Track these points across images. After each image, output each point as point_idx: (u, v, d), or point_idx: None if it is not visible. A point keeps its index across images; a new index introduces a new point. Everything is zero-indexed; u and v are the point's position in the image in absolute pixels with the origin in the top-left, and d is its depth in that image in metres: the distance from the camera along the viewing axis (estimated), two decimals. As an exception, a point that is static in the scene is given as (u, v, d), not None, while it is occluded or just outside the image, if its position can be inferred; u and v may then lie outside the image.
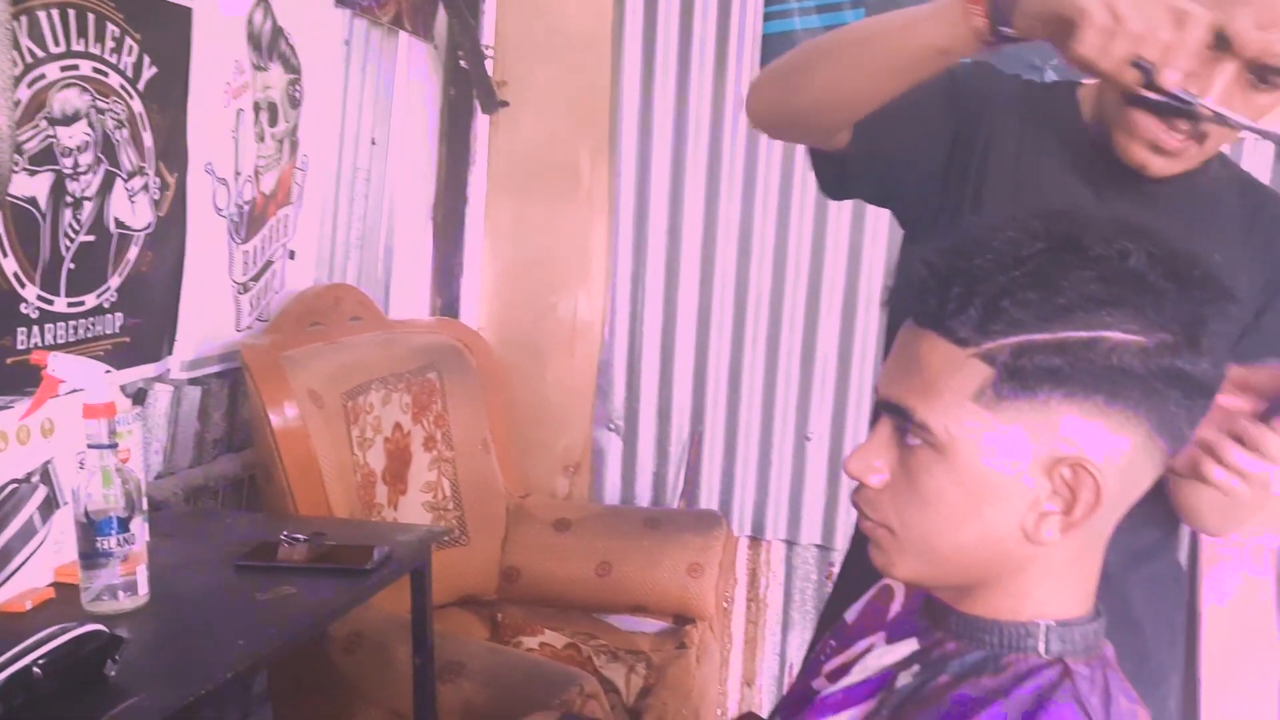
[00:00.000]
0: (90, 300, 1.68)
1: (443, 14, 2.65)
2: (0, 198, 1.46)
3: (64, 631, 1.10)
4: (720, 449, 2.71)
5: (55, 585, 1.38)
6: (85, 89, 1.61)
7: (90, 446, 1.28)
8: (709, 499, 2.72)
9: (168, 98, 1.79)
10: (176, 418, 1.95)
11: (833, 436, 2.63)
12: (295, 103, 2.15)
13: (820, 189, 1.23)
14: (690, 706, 2.18)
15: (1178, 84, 0.85)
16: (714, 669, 2.46)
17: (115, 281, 1.73)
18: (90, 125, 1.63)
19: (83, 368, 1.34)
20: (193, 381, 1.97)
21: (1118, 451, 0.72)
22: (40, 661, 1.06)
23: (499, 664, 1.78)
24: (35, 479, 1.35)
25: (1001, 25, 0.90)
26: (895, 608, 0.93)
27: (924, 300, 0.76)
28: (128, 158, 1.72)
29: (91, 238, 1.66)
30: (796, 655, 2.75)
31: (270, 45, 2.04)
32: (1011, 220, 0.75)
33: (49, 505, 1.38)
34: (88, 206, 1.65)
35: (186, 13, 1.80)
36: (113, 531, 1.28)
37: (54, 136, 1.57)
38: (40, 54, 1.52)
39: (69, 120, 1.59)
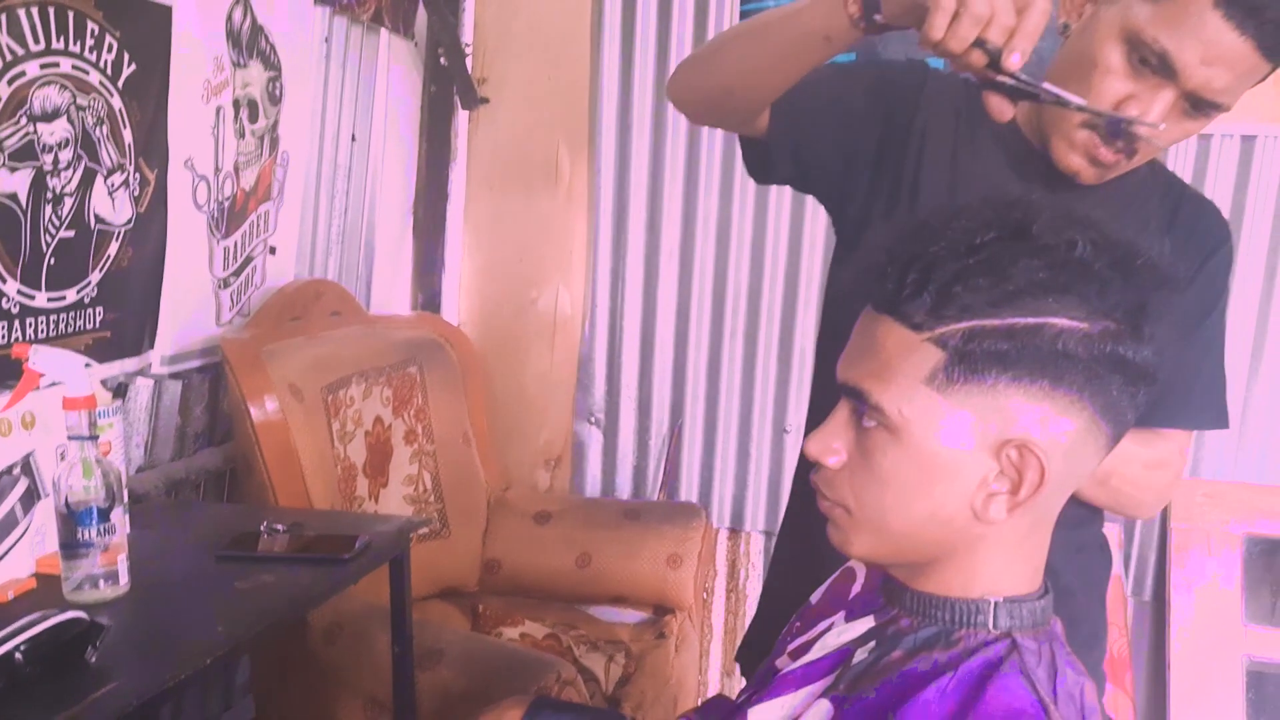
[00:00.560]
0: (71, 295, 1.69)
1: (423, 11, 2.67)
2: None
3: (45, 618, 1.11)
4: (699, 441, 2.74)
5: (37, 576, 1.39)
6: (65, 86, 1.62)
7: (71, 438, 1.30)
8: (688, 491, 2.75)
9: (147, 94, 1.80)
10: (157, 411, 1.96)
11: (810, 429, 2.65)
12: (275, 99, 2.16)
13: (748, 172, 1.29)
14: (668, 694, 2.21)
15: (1018, 66, 0.91)
16: (693, 658, 2.49)
17: (96, 277, 1.74)
18: (70, 122, 1.65)
19: (63, 361, 1.36)
20: (174, 376, 1.98)
21: (1062, 434, 0.75)
22: (22, 647, 1.07)
23: (477, 652, 1.81)
24: (16, 471, 1.37)
25: (874, 13, 0.96)
26: (856, 588, 0.96)
27: (881, 286, 0.78)
28: (108, 154, 1.73)
29: (72, 233, 1.68)
30: (775, 645, 2.78)
31: (250, 43, 2.05)
32: (965, 209, 0.78)
33: (30, 497, 1.39)
34: (68, 202, 1.66)
35: (166, 11, 1.81)
36: (93, 522, 1.29)
37: (34, 133, 1.58)
38: (20, 51, 1.53)
39: (49, 117, 1.61)
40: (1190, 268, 1.13)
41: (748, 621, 2.80)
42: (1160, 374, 0.76)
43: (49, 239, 1.64)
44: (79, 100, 1.66)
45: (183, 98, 1.88)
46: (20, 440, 1.37)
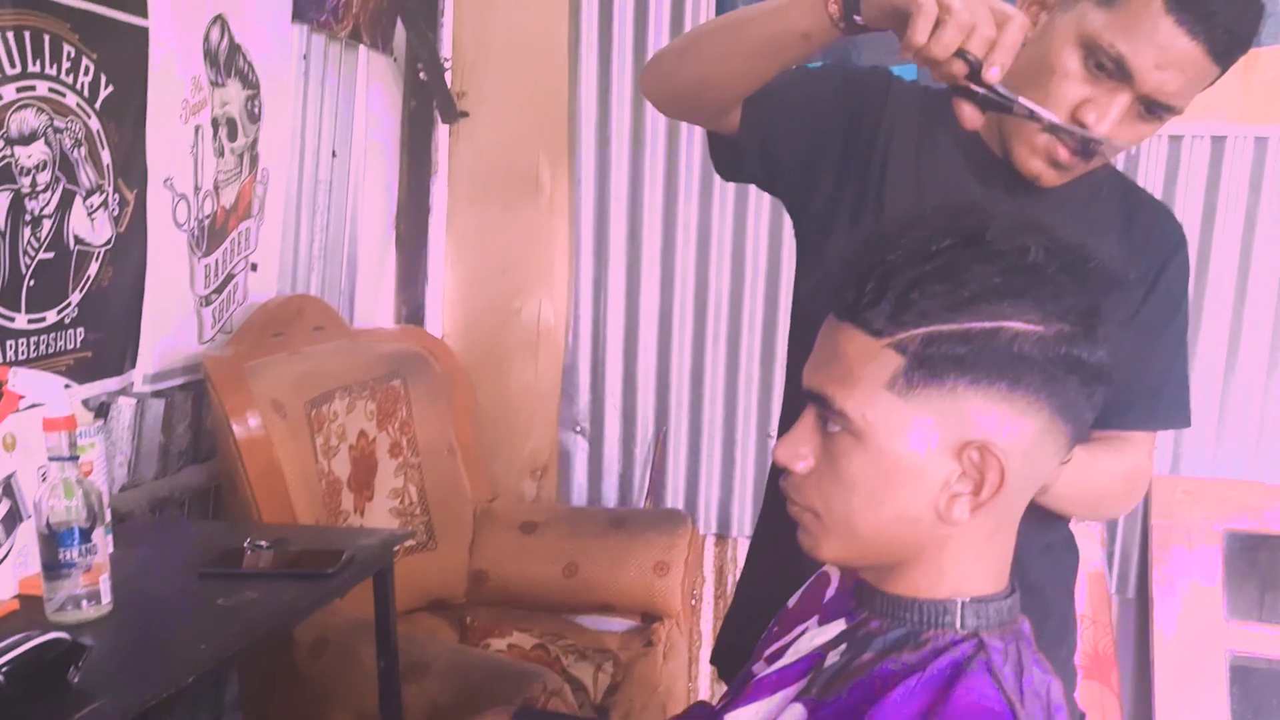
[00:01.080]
0: (51, 316, 1.70)
1: (401, 27, 2.68)
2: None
3: (27, 639, 1.12)
4: (684, 449, 2.75)
5: (20, 597, 1.39)
6: (42, 109, 1.63)
7: (51, 459, 1.30)
8: (674, 498, 2.76)
9: (125, 115, 1.81)
10: (140, 430, 1.96)
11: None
12: (254, 117, 2.17)
13: (715, 169, 1.31)
14: (657, 702, 2.22)
15: (998, 80, 0.93)
16: (681, 666, 2.50)
17: (76, 297, 1.75)
18: (48, 144, 1.65)
19: (42, 382, 1.37)
20: (156, 394, 1.99)
21: (1021, 435, 0.77)
22: (4, 669, 1.08)
23: (463, 663, 1.81)
24: (-2, 493, 1.37)
25: (854, 14, 0.98)
26: (831, 592, 0.98)
27: (841, 294, 0.80)
28: (86, 175, 1.74)
29: (51, 255, 1.68)
30: (764, 650, 2.79)
31: (228, 61, 2.06)
32: (922, 217, 0.80)
33: (12, 518, 1.40)
34: (47, 224, 1.67)
35: (143, 32, 1.82)
36: (75, 543, 1.29)
37: (12, 156, 1.59)
38: (-4, 75, 1.54)
39: (26, 140, 1.62)
40: (1148, 271, 1.15)
41: (736, 627, 2.82)
42: (1115, 373, 0.78)
43: (28, 261, 1.64)
44: (56, 122, 1.66)
45: (161, 118, 1.89)
46: (1, 462, 1.37)
